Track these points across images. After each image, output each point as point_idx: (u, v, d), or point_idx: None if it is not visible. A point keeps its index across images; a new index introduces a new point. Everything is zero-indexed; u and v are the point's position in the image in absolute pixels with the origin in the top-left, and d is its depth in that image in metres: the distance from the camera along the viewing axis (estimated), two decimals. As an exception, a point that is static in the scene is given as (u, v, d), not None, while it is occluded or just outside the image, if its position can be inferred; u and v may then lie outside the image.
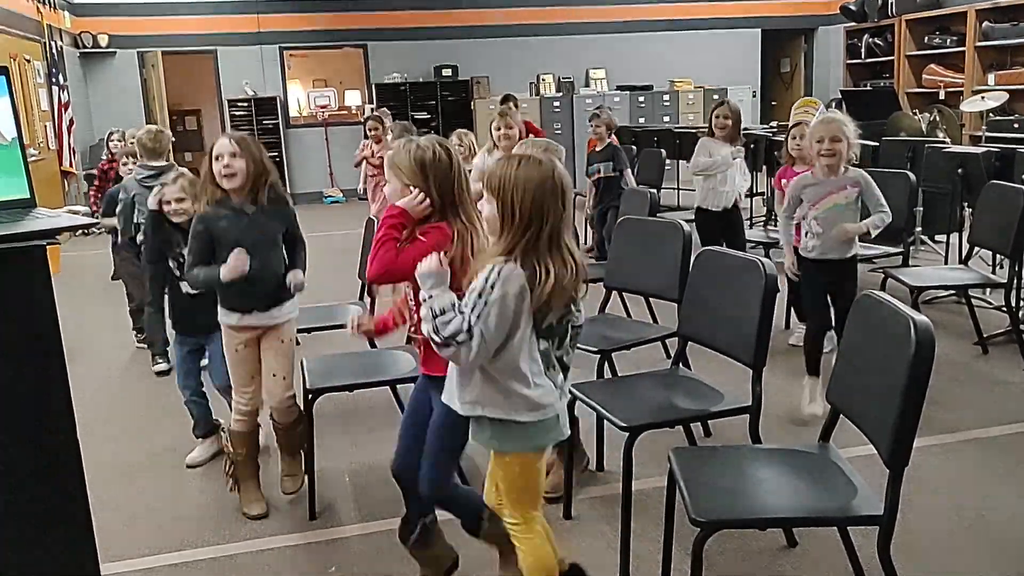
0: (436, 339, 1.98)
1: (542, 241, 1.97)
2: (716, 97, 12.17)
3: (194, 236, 3.00)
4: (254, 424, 3.16)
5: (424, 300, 2.00)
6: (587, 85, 13.17)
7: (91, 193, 6.20)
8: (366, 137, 7.19)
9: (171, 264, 3.58)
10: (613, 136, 6.96)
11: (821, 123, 3.66)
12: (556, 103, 12.67)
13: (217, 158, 2.90)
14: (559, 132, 12.32)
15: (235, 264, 2.87)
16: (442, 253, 2.05)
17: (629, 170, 6.74)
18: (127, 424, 4.13)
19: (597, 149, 6.73)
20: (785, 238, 4.00)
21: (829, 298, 3.80)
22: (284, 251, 3.11)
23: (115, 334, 5.62)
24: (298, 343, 4.99)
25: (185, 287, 3.48)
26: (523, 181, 1.97)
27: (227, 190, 2.92)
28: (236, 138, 2.94)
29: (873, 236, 3.77)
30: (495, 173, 2.02)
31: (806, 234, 3.80)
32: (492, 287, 1.95)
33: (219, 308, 3.07)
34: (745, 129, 7.90)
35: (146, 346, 5.33)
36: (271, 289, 3.04)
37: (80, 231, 2.78)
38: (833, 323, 3.84)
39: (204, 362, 3.67)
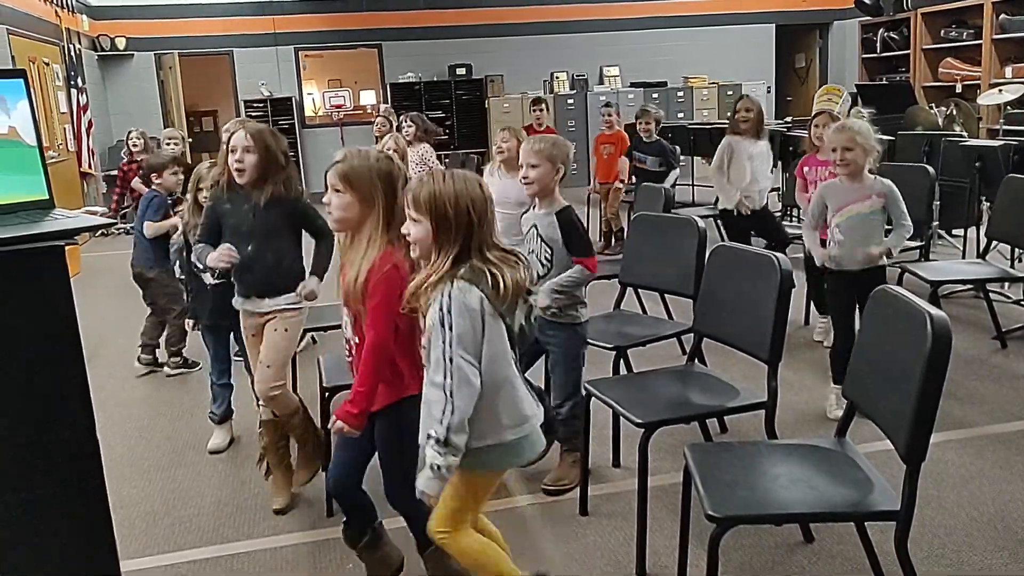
0: (439, 432, 1.94)
1: (482, 246, 1.98)
2: (731, 93, 12.12)
3: (204, 214, 3.22)
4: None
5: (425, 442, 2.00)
6: (601, 82, 13.14)
7: (114, 192, 6.18)
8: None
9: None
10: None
11: (835, 131, 3.57)
12: (570, 100, 12.65)
13: (233, 150, 2.97)
14: (573, 130, 12.30)
15: (219, 255, 2.96)
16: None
17: (677, 169, 6.96)
18: (146, 422, 4.17)
19: (646, 140, 6.95)
20: (812, 241, 3.77)
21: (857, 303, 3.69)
22: (292, 244, 3.09)
23: (134, 334, 5.64)
24: (314, 341, 5.08)
25: (207, 279, 3.55)
26: (453, 192, 1.97)
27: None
28: (252, 131, 2.98)
29: (895, 254, 3.62)
30: (421, 191, 1.99)
31: (829, 243, 3.66)
32: (450, 312, 1.93)
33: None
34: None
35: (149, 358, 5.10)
36: (264, 277, 3.05)
37: (99, 232, 2.83)
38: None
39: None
